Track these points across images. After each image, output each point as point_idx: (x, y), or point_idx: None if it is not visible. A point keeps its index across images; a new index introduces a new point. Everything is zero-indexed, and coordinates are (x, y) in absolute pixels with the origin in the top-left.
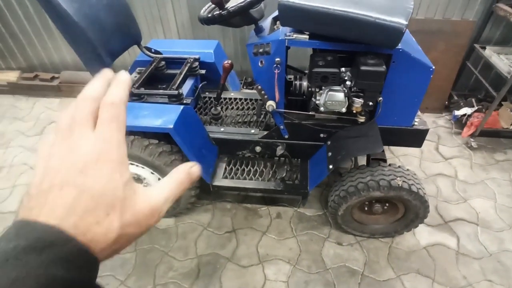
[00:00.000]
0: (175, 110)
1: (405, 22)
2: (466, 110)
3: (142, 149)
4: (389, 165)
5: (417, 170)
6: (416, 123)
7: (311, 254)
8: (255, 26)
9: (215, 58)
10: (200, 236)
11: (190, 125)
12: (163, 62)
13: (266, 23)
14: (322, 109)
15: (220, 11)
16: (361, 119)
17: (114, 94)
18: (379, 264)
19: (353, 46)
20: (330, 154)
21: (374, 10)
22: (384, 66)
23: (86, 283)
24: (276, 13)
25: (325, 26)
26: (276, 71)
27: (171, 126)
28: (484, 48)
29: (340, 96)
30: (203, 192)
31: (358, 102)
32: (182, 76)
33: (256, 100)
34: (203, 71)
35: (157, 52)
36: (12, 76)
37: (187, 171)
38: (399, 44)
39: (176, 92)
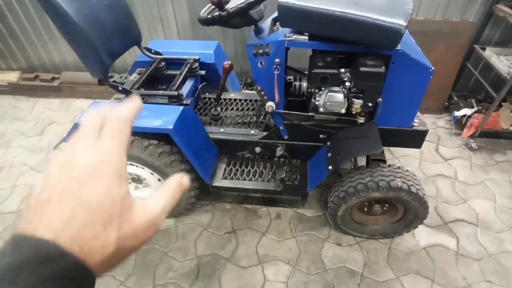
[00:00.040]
0: (175, 111)
1: (404, 23)
2: (466, 111)
3: (142, 150)
4: (389, 166)
5: (417, 170)
6: (415, 124)
7: (310, 255)
8: (254, 27)
9: (215, 59)
10: (199, 237)
11: (190, 126)
12: (163, 63)
13: (266, 24)
14: (321, 110)
15: (220, 12)
16: (361, 120)
17: (121, 110)
18: (378, 265)
19: (352, 47)
20: (329, 155)
21: (373, 11)
22: (383, 67)
23: None
24: (276, 14)
25: (325, 27)
26: (275, 72)
27: (171, 127)
28: (484, 49)
29: (340, 97)
30: (202, 192)
31: (358, 103)
32: (182, 76)
33: (256, 100)
34: (203, 72)
35: (157, 52)
36: (12, 76)
37: (178, 182)
38: (399, 45)
39: (176, 93)
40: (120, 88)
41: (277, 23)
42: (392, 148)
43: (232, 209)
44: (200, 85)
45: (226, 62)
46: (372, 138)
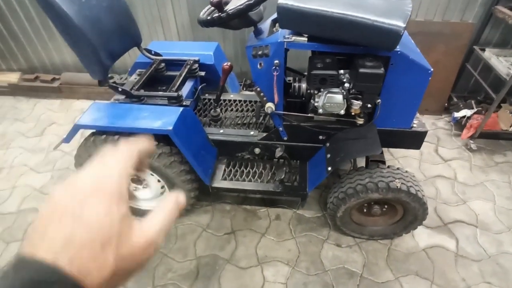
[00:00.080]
0: (175, 112)
1: (403, 25)
2: (465, 112)
3: None
4: (388, 167)
5: (416, 172)
6: (414, 125)
7: (310, 256)
8: (254, 28)
9: (214, 60)
10: (199, 238)
11: (190, 127)
12: (163, 64)
13: (266, 25)
14: (320, 111)
15: (219, 13)
16: (360, 121)
17: (132, 137)
18: (378, 266)
19: (351, 49)
20: (328, 156)
21: (372, 13)
22: (382, 69)
23: None
24: (275, 15)
25: (324, 28)
26: (275, 73)
27: (170, 128)
28: (483, 50)
29: (339, 98)
30: (202, 193)
31: (357, 104)
32: (181, 78)
33: (255, 102)
34: (202, 73)
35: (157, 54)
36: (13, 77)
37: (175, 201)
38: (398, 47)
39: (175, 94)
40: (120, 89)
41: (277, 24)
42: (391, 149)
43: (231, 210)
44: (200, 86)
45: (225, 63)
46: (371, 139)
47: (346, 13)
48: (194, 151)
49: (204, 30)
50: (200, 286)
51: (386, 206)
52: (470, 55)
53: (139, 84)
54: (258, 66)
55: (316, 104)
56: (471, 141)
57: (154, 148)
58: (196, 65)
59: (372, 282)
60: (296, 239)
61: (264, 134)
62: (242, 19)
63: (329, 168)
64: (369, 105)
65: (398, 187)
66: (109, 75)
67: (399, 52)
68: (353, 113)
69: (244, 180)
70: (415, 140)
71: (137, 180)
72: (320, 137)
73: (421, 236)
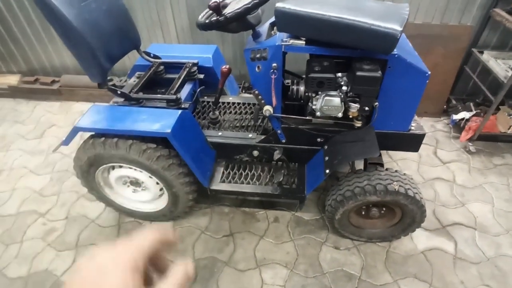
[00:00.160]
0: (173, 115)
1: (399, 28)
2: (464, 114)
3: (140, 153)
4: (386, 169)
5: (415, 174)
6: (412, 128)
7: (308, 258)
8: (252, 31)
9: (213, 63)
10: (197, 240)
11: (188, 130)
12: (162, 67)
13: (264, 28)
14: (318, 114)
15: (218, 17)
16: (358, 123)
17: (156, 227)
18: (376, 268)
19: (349, 52)
20: (327, 158)
21: (369, 16)
22: (379, 72)
23: None
24: (273, 18)
25: (321, 32)
26: (273, 76)
27: (169, 131)
28: (482, 52)
29: (336, 101)
30: (201, 196)
31: (354, 107)
32: (180, 80)
33: (254, 104)
34: (201, 76)
35: (156, 56)
36: (13, 79)
37: (184, 273)
38: (395, 50)
39: (174, 96)
40: (118, 92)
41: (275, 28)
42: (390, 152)
43: (230, 212)
44: (199, 89)
45: (224, 66)
46: (369, 142)
47: (343, 16)
48: (193, 153)
49: (203, 34)
50: None
51: (384, 209)
52: (469, 58)
53: (138, 87)
54: (256, 69)
55: (314, 107)
56: (470, 144)
57: (175, 240)
58: (195, 67)
59: (370, 285)
60: (294, 242)
61: (263, 137)
62: (240, 22)
63: (327, 171)
64: (366, 108)
65: (396, 189)
66: (109, 78)
67: (396, 55)
68: (351, 116)
69: (242, 183)
70: (413, 142)
71: (135, 183)
72: (318, 139)
73: (420, 239)
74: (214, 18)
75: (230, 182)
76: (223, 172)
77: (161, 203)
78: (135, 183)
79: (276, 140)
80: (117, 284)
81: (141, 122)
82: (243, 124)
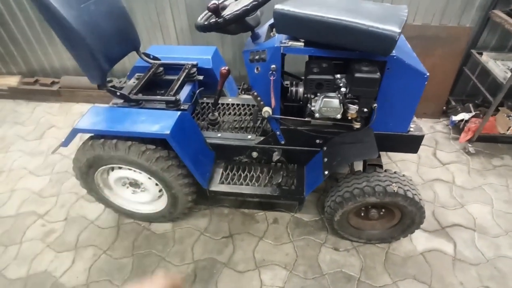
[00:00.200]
0: (172, 116)
1: (398, 30)
2: (463, 116)
3: (140, 155)
4: (385, 171)
5: (414, 175)
6: (411, 129)
7: (307, 260)
8: (251, 33)
9: (213, 64)
10: (197, 241)
11: (187, 131)
12: (161, 68)
13: (263, 30)
14: (317, 115)
15: (216, 18)
16: (357, 125)
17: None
18: (375, 270)
19: (347, 53)
20: (325, 160)
21: (368, 18)
22: (378, 73)
23: None
24: (272, 20)
25: (320, 33)
26: (271, 78)
27: (168, 132)
28: (481, 54)
29: (335, 102)
30: (200, 197)
31: (353, 109)
32: (179, 82)
33: (253, 105)
34: (201, 77)
35: (155, 58)
36: (12, 80)
37: None
38: (394, 51)
39: (173, 98)
40: (118, 93)
41: (274, 29)
42: (389, 153)
43: (229, 213)
44: (198, 90)
45: (223, 68)
46: (368, 143)
47: (342, 18)
48: (192, 155)
49: (202, 35)
50: None
51: (383, 210)
52: (468, 59)
53: (137, 88)
54: (255, 70)
55: (312, 108)
56: (469, 145)
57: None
58: (194, 69)
59: (369, 286)
60: (293, 243)
61: (262, 138)
62: (239, 24)
63: (326, 172)
64: (365, 110)
65: (395, 191)
66: (108, 79)
67: (395, 57)
68: (349, 117)
69: (241, 184)
70: (412, 144)
71: (135, 184)
72: (317, 141)
73: (419, 240)
74: (213, 20)
75: (229, 183)
76: (222, 173)
77: (160, 204)
78: (134, 184)
79: (275, 142)
80: None
81: (140, 123)
82: (242, 126)
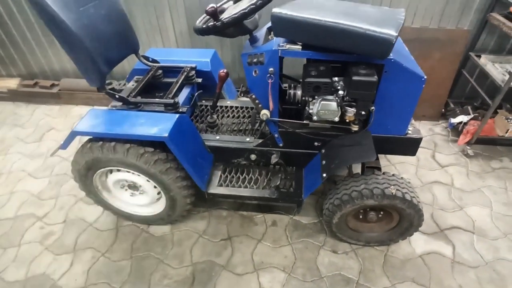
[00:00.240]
0: (171, 119)
1: (395, 34)
2: (462, 118)
3: (138, 157)
4: (384, 173)
5: (413, 178)
6: (409, 132)
7: (306, 262)
8: (249, 36)
9: (211, 67)
10: (195, 244)
11: (186, 134)
12: (160, 71)
13: (261, 33)
14: (315, 118)
15: (215, 22)
16: (355, 128)
17: None
18: (374, 272)
19: (345, 57)
20: (324, 162)
21: (365, 22)
22: (375, 76)
23: None
24: (270, 23)
25: (317, 37)
26: (269, 81)
27: (166, 135)
28: (479, 56)
29: (333, 105)
30: (198, 199)
31: (351, 111)
32: (178, 84)
33: (252, 108)
34: (199, 80)
35: (154, 61)
36: (12, 83)
37: None
38: (391, 54)
39: (172, 100)
40: (117, 96)
41: (272, 32)
42: (388, 155)
43: (228, 216)
44: (197, 93)
45: (222, 70)
46: (366, 146)
47: (339, 22)
48: (190, 157)
49: (201, 38)
50: None
51: (382, 213)
52: (466, 62)
53: (136, 91)
54: (253, 73)
55: (311, 111)
56: (468, 147)
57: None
58: (193, 72)
59: None
60: (292, 245)
61: (260, 141)
62: (237, 27)
63: (324, 175)
64: (363, 112)
65: (393, 193)
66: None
67: (392, 60)
68: (347, 120)
69: (240, 186)
70: (410, 146)
71: (133, 186)
72: (316, 143)
73: (418, 243)
74: (211, 23)
75: (227, 186)
76: (220, 176)
77: (159, 207)
78: (133, 186)
79: (273, 144)
80: None
81: (139, 126)
82: (241, 128)
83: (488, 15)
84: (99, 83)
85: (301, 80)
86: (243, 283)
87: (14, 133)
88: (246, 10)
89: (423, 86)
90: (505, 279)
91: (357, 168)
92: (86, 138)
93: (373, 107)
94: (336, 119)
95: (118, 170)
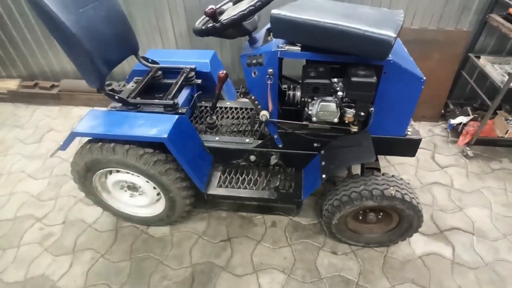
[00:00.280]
0: (170, 120)
1: (393, 35)
2: (461, 119)
3: (138, 158)
4: (383, 174)
5: (413, 178)
6: (409, 133)
7: (305, 263)
8: (249, 37)
9: (211, 68)
10: (195, 245)
11: (185, 135)
12: (159, 72)
13: (260, 34)
14: (314, 119)
15: (214, 23)
16: (354, 129)
17: None
18: (374, 273)
19: (344, 58)
20: (323, 163)
21: (364, 23)
22: (374, 77)
23: None
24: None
25: (316, 38)
26: (268, 82)
27: (166, 136)
28: (478, 57)
29: (332, 106)
30: (198, 200)
31: (350, 113)
32: (178, 85)
33: (251, 109)
34: (199, 81)
35: (154, 62)
36: (12, 84)
37: None
38: (390, 56)
39: (171, 102)
40: (116, 97)
41: (271, 34)
42: (388, 156)
43: (227, 217)
44: (196, 94)
45: (221, 72)
46: (366, 147)
47: (338, 23)
48: (190, 158)
49: (201, 39)
50: None
51: (381, 214)
52: (466, 63)
53: (135, 92)
54: (253, 74)
55: (310, 112)
56: (468, 148)
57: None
58: (193, 73)
59: None
60: (292, 247)
61: (260, 142)
62: (236, 28)
63: (323, 176)
64: (362, 113)
65: (393, 194)
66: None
67: (391, 61)
68: (347, 121)
69: (239, 188)
70: (409, 147)
71: (133, 187)
72: (315, 144)
73: (418, 244)
74: (211, 25)
75: (227, 187)
76: (220, 177)
77: (159, 208)
78: (132, 188)
79: (273, 145)
80: None
81: (138, 127)
82: (240, 129)
83: (487, 16)
84: (98, 84)
85: (300, 81)
86: (242, 284)
87: (14, 134)
88: (245, 12)
89: (422, 87)
90: (505, 280)
91: (356, 169)
92: (86, 139)
93: (372, 108)
94: (335, 120)
95: (118, 171)
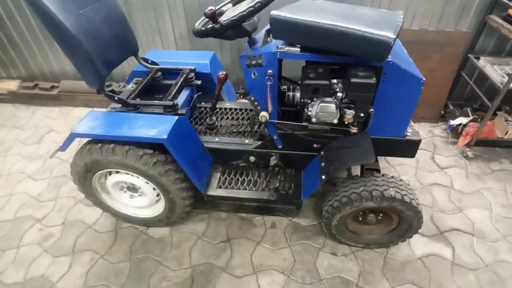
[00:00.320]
0: (170, 121)
1: (393, 36)
2: (461, 120)
3: (137, 159)
4: (383, 175)
5: (412, 179)
6: (408, 134)
7: (305, 265)
8: (248, 38)
9: (211, 69)
10: (194, 246)
11: (185, 135)
12: (159, 73)
13: (260, 35)
14: (314, 120)
15: (213, 24)
16: (354, 130)
17: None
18: (373, 275)
19: (343, 59)
20: (323, 164)
21: (363, 24)
22: (374, 78)
23: None
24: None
25: (315, 39)
26: (268, 83)
27: (165, 137)
28: (478, 58)
29: (332, 107)
30: (198, 201)
31: (350, 114)
32: (177, 86)
33: (251, 110)
34: (198, 82)
35: (153, 63)
36: (12, 85)
37: None
38: (390, 57)
39: (171, 102)
40: (116, 98)
41: (271, 35)
42: (388, 157)
43: (227, 218)
44: (196, 95)
45: (220, 73)
46: (365, 148)
47: (337, 24)
48: (189, 159)
49: (201, 40)
50: None
51: (381, 215)
52: (465, 64)
53: (135, 93)
54: (252, 75)
55: (309, 113)
56: (467, 149)
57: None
58: (192, 74)
59: None
60: (291, 248)
61: (259, 143)
62: (236, 29)
63: (323, 177)
64: (362, 114)
65: (392, 195)
66: (108, 83)
67: (391, 62)
68: (346, 122)
69: (239, 188)
70: (409, 148)
71: (132, 188)
72: (315, 145)
73: (417, 245)
74: (210, 26)
75: (226, 187)
76: (219, 178)
77: (158, 209)
78: (132, 188)
79: (272, 146)
80: None
81: (138, 128)
82: (240, 130)
83: (486, 17)
84: (98, 85)
85: (300, 82)
86: (242, 285)
87: (13, 135)
88: (245, 13)
89: (422, 88)
90: (505, 281)
91: (356, 170)
92: (86, 140)
93: (371, 109)
94: (335, 121)
95: (117, 172)
